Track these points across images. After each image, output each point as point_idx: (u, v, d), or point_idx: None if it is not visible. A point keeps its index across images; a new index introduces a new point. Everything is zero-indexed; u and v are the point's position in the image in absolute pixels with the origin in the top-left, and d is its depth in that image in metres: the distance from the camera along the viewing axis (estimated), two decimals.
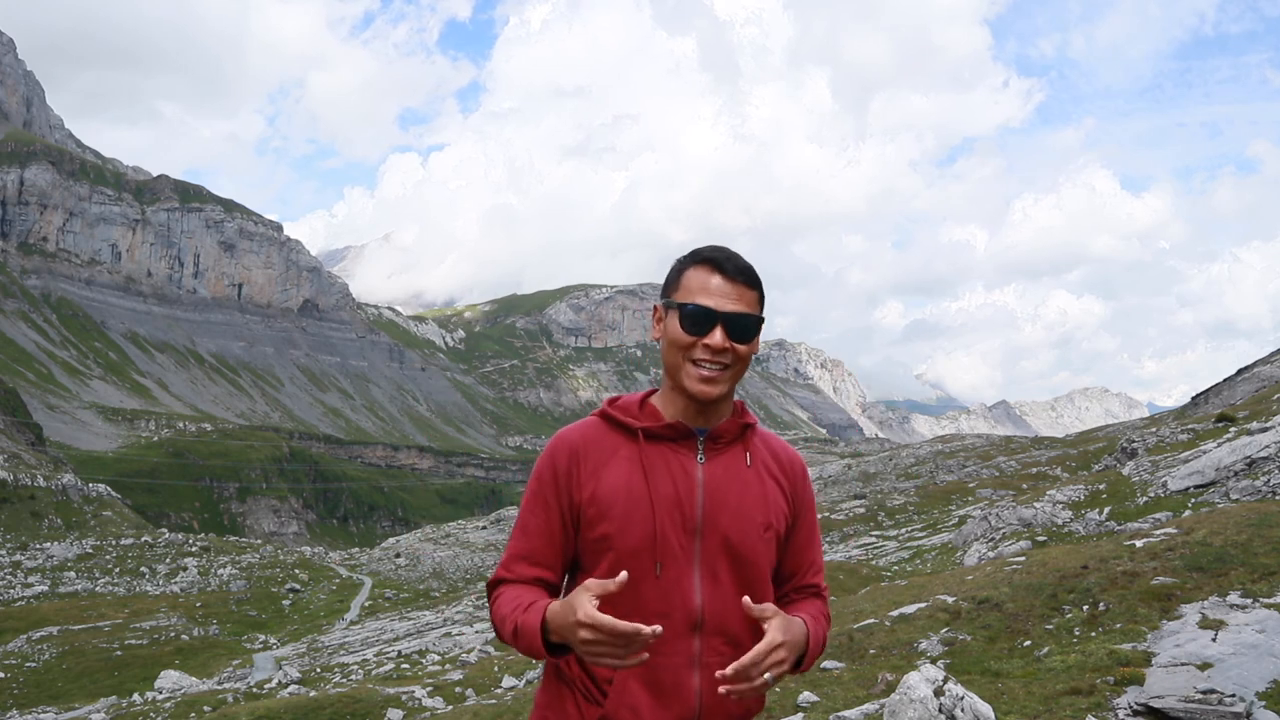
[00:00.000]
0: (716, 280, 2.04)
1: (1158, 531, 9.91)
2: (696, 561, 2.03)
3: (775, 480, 2.15)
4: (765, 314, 2.13)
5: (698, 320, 2.02)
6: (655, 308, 2.15)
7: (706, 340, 2.02)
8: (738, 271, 2.06)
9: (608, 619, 1.82)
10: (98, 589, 49.33)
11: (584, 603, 1.84)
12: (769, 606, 1.97)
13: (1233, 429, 20.56)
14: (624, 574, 1.87)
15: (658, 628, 1.85)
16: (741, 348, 2.05)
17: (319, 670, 23.59)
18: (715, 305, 2.02)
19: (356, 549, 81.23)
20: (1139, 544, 9.10)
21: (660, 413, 2.12)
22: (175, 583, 51.24)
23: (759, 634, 2.06)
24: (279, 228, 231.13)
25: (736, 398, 2.19)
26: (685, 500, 2.04)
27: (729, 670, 1.89)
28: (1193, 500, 15.09)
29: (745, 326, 2.04)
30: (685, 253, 2.13)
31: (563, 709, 2.07)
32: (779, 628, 1.94)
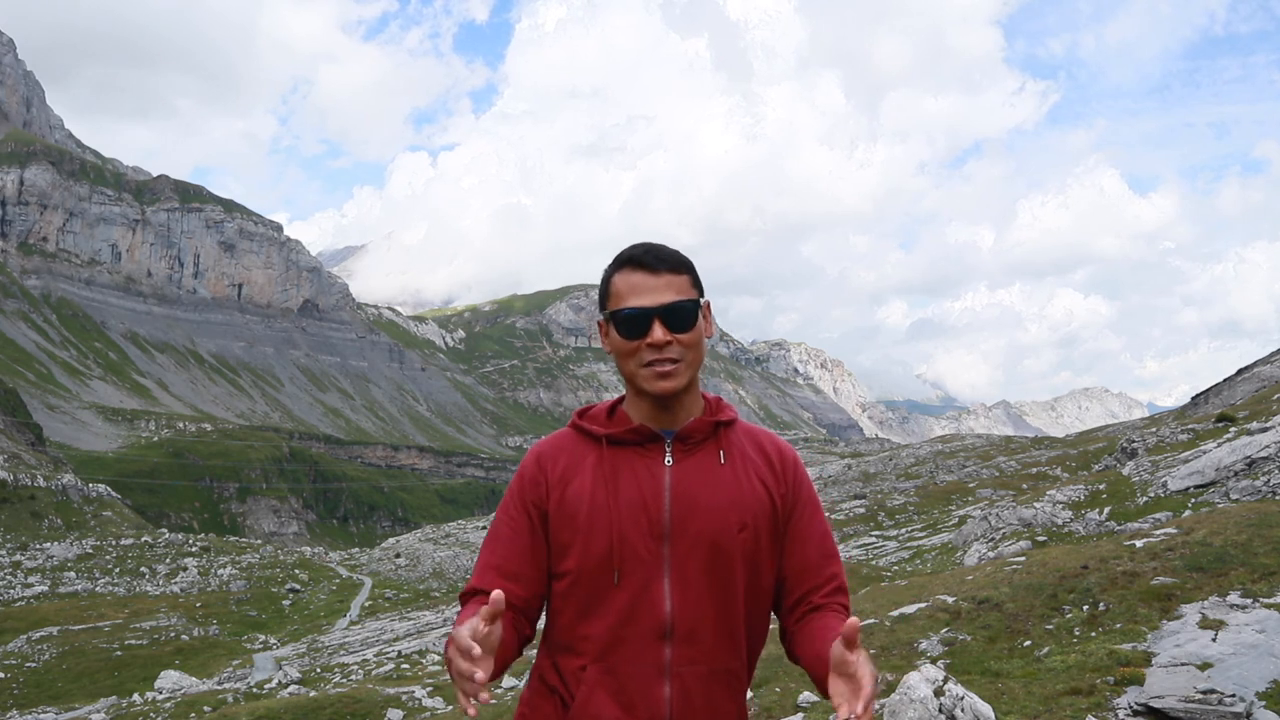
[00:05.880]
0: (640, 277, 2.00)
1: (1158, 531, 9.90)
2: (666, 567, 1.97)
3: (757, 476, 2.06)
4: (708, 296, 2.06)
5: (633, 323, 1.98)
6: (599, 323, 2.10)
7: (649, 340, 1.97)
8: (659, 261, 2.00)
9: (462, 636, 1.71)
10: (98, 589, 49.34)
11: (463, 629, 1.74)
12: (855, 650, 1.75)
13: (1233, 429, 20.54)
14: (498, 593, 1.74)
15: (493, 628, 1.74)
16: (685, 337, 1.99)
17: (319, 670, 23.61)
18: (647, 302, 1.97)
19: (356, 549, 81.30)
20: (1139, 544, 9.09)
21: (629, 418, 2.08)
22: (175, 583, 51.24)
23: (733, 642, 2.01)
24: (279, 228, 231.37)
25: (715, 395, 2.15)
26: (651, 505, 1.98)
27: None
28: (1193, 500, 15.08)
29: (682, 313, 1.98)
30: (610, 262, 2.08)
31: (542, 711, 2.05)
32: (869, 673, 1.74)
